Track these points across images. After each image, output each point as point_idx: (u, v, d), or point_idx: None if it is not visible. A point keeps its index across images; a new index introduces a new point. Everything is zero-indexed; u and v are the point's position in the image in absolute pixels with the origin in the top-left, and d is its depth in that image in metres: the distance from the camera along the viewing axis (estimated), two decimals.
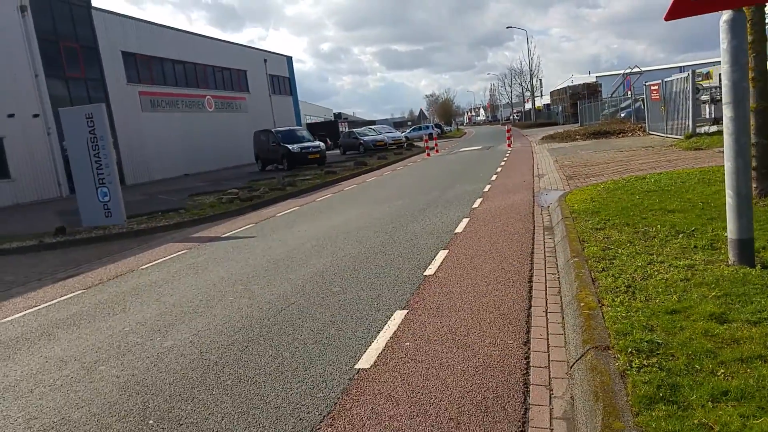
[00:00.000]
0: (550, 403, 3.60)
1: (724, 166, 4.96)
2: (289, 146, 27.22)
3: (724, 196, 8.42)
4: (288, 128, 31.94)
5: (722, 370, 3.27)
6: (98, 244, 11.85)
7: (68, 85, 24.94)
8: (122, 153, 25.43)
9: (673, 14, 5.26)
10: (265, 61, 44.34)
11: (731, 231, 5.23)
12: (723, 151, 5.37)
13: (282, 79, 47.77)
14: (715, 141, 17.35)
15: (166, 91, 32.28)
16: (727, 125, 5.16)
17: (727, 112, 5.15)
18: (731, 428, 2.71)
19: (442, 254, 7.48)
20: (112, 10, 29.10)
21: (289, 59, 49.88)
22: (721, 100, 18.43)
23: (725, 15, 4.98)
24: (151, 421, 3.76)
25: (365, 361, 4.36)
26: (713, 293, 4.53)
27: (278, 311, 5.81)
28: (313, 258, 8.12)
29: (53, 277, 9.04)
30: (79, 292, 7.79)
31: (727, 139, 5.16)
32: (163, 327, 5.74)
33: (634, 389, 3.24)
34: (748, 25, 6.48)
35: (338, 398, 3.81)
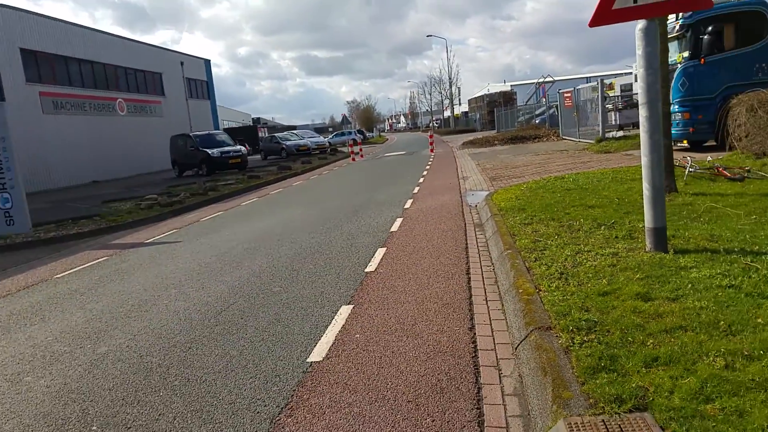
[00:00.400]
0: (500, 381, 3.74)
1: (632, 166, 5.41)
2: (209, 151, 26.42)
3: (636, 193, 9.15)
4: (207, 132, 30.97)
5: (651, 341, 3.57)
6: (2, 254, 10.96)
7: None
8: (19, 158, 23.47)
9: (596, 21, 5.68)
10: (182, 63, 42.81)
11: (648, 220, 5.66)
12: (630, 154, 5.81)
13: (199, 82, 46.31)
14: (622, 145, 18.66)
15: (72, 93, 30.33)
16: (643, 124, 5.59)
17: (642, 112, 5.58)
18: (663, 388, 3.01)
19: (380, 251, 7.55)
20: (9, 4, 26.87)
21: (207, 62, 48.45)
22: (623, 108, 19.67)
23: (640, 24, 5.44)
24: (94, 428, 3.55)
25: (317, 354, 4.34)
26: (637, 276, 4.90)
27: (218, 312, 5.65)
28: (246, 260, 7.95)
29: None
30: None
31: (643, 136, 5.59)
32: (93, 333, 5.43)
33: (578, 362, 3.45)
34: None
35: (294, 390, 3.77)
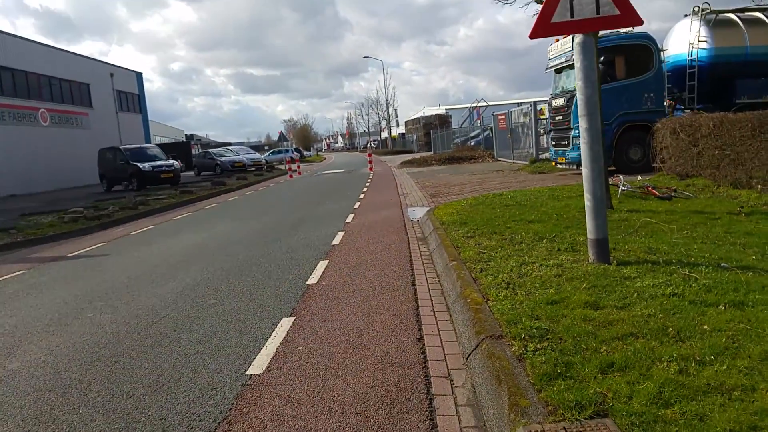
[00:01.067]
0: (452, 392, 3.61)
1: (566, 185, 5.49)
2: (140, 165, 25.34)
3: (573, 209, 9.38)
4: (138, 146, 29.72)
5: (604, 347, 3.54)
6: None
7: None
8: None
9: (536, 34, 5.79)
10: (112, 75, 41.15)
11: (590, 231, 5.73)
12: (563, 174, 5.94)
13: (130, 95, 44.62)
14: (556, 166, 19.31)
15: None
16: (582, 135, 5.70)
17: (582, 124, 5.69)
18: (622, 394, 2.95)
19: (322, 264, 7.33)
20: None
21: (139, 75, 46.84)
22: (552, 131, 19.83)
23: (577, 38, 5.59)
24: None
25: (257, 367, 4.07)
26: (583, 285, 4.93)
27: (149, 325, 5.26)
28: (180, 273, 7.52)
29: None
30: None
31: (583, 147, 5.69)
32: (4, 349, 4.91)
33: (533, 369, 3.37)
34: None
35: (232, 404, 3.49)
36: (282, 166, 38.64)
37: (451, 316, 5.09)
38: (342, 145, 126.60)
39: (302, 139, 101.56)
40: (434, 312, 5.24)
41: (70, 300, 6.50)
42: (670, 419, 2.68)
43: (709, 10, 16.46)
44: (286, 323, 5.02)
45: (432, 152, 42.25)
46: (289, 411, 3.37)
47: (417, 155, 41.08)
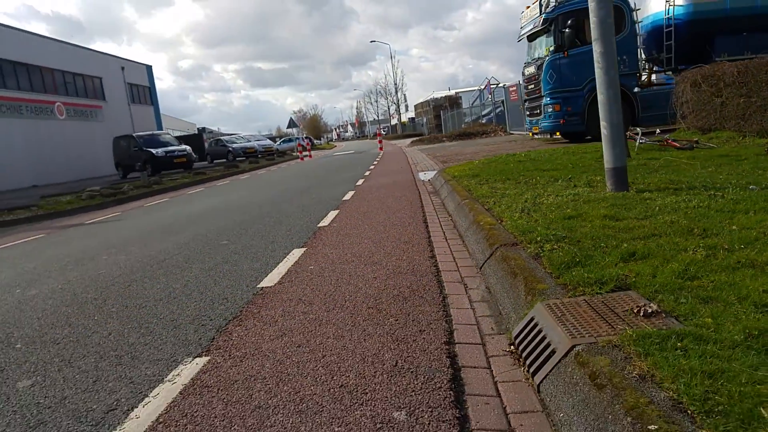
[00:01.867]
0: (466, 293, 3.56)
1: (582, 145, 5.30)
2: (153, 150, 25.48)
3: (590, 159, 9.21)
4: (150, 133, 29.90)
5: (625, 245, 3.41)
6: None
7: None
8: None
9: None
10: (123, 68, 41.37)
11: (607, 161, 5.59)
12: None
13: (142, 88, 44.86)
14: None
15: (5, 95, 28.78)
16: (597, 60, 5.56)
17: (596, 48, 5.55)
18: (645, 273, 2.84)
19: (333, 213, 7.31)
20: None
21: (149, 68, 47.03)
22: None
23: None
24: (18, 345, 3.18)
25: (268, 281, 4.07)
26: (602, 204, 4.81)
27: (161, 261, 5.28)
28: (192, 226, 7.55)
29: None
30: None
31: (598, 72, 5.56)
32: (23, 282, 4.97)
33: (550, 263, 3.28)
34: None
35: (243, 307, 3.49)
36: (294, 153, 38.65)
37: (464, 241, 5.04)
38: (352, 134, 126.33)
39: (312, 130, 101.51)
40: (446, 239, 5.19)
41: (87, 249, 6.55)
42: (698, 286, 2.56)
43: None
44: (297, 252, 5.01)
45: (443, 133, 42.03)
46: (300, 309, 3.36)
47: (427, 136, 40.88)
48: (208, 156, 38.23)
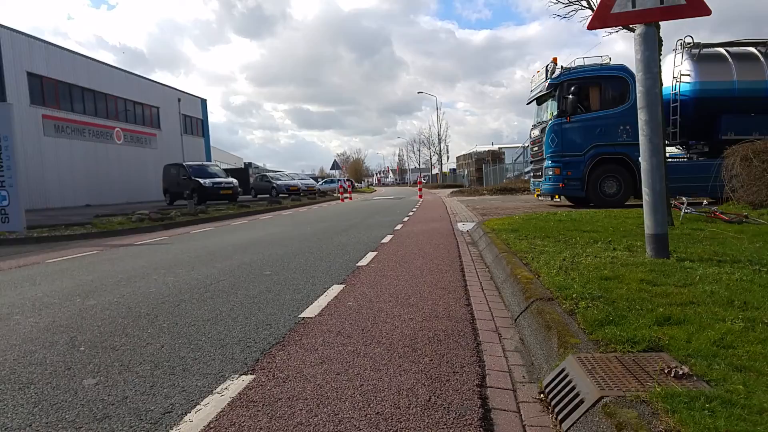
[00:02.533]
0: (500, 342, 3.68)
1: (624, 210, 5.30)
2: (201, 180, 26.43)
3: (631, 224, 9.23)
4: (200, 163, 31.07)
5: (661, 309, 3.47)
6: None
7: None
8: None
9: (595, 24, 5.86)
10: (179, 100, 43.40)
11: (648, 227, 5.63)
12: (624, 205, 5.76)
13: (195, 120, 46.83)
14: (538, 198, 19.07)
15: (73, 118, 30.56)
16: (642, 128, 5.67)
17: (641, 116, 5.67)
18: (679, 338, 2.90)
19: (371, 254, 7.52)
20: (21, 29, 27.48)
21: (204, 101, 49.17)
22: None
23: (639, 29, 5.60)
24: (82, 348, 3.44)
25: (309, 312, 4.27)
26: (640, 269, 4.85)
27: (208, 285, 5.55)
28: (237, 255, 7.86)
29: None
30: None
31: (642, 140, 5.66)
32: (82, 293, 5.31)
33: (584, 319, 3.38)
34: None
35: (285, 334, 3.68)
36: (334, 193, 39.35)
37: (500, 292, 5.15)
38: (392, 180, 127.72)
39: (354, 173, 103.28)
40: (483, 289, 5.31)
41: (138, 268, 6.90)
42: (732, 355, 2.60)
43: (692, 44, 15.90)
44: (336, 288, 5.21)
45: (483, 186, 42.16)
46: (340, 340, 3.53)
47: (467, 188, 41.09)
48: (253, 190, 39.26)
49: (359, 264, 6.66)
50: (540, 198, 17.78)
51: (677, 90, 15.61)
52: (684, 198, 10.97)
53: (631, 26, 6.79)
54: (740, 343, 2.75)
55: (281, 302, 4.64)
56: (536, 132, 16.92)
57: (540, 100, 17.08)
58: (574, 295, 3.93)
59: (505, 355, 3.38)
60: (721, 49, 16.16)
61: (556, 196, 16.52)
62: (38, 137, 27.72)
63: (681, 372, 2.40)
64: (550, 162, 15.62)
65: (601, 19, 5.70)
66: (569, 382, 2.55)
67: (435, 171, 78.24)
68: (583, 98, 15.32)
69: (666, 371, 2.44)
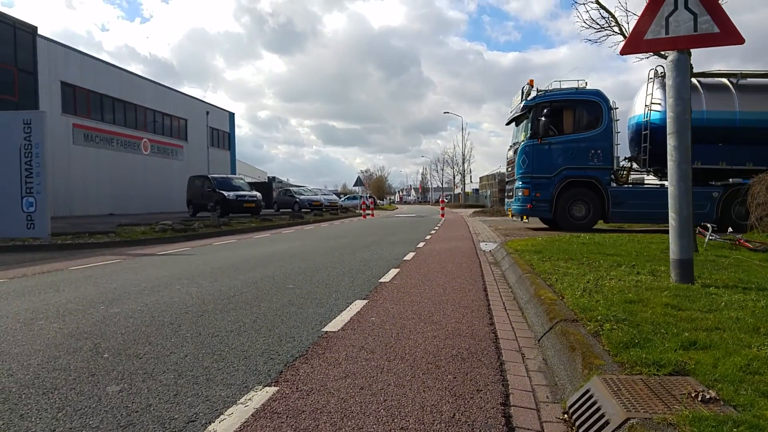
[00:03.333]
0: (523, 362, 3.64)
1: (648, 234, 5.26)
2: (225, 193, 26.72)
3: (654, 249, 9.11)
4: (225, 175, 31.48)
5: (686, 334, 3.43)
6: (17, 253, 11.01)
7: None
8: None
9: (628, 50, 5.87)
10: (207, 113, 44.17)
11: (673, 251, 5.56)
12: (647, 228, 5.72)
13: (222, 133, 47.56)
14: (512, 218, 19.15)
15: (102, 128, 31.27)
16: (670, 153, 5.63)
17: (671, 141, 5.63)
18: (705, 363, 2.86)
19: (394, 270, 7.52)
20: (58, 40, 28.38)
21: (232, 115, 49.95)
22: None
23: (671, 55, 5.59)
24: (106, 355, 3.49)
25: (332, 327, 4.27)
26: (664, 293, 4.80)
27: (231, 296, 5.60)
28: (259, 267, 7.92)
29: None
30: (1, 280, 7.16)
31: (671, 165, 5.62)
32: (106, 300, 5.38)
33: (609, 341, 3.35)
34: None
35: (309, 347, 3.69)
36: (356, 211, 39.52)
37: (523, 313, 5.11)
38: (414, 198, 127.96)
39: (377, 190, 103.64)
40: (506, 309, 5.27)
41: (161, 278, 6.99)
42: (759, 381, 2.58)
43: (664, 73, 15.34)
44: (359, 303, 5.21)
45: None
46: (363, 356, 3.52)
47: (490, 208, 40.90)
48: (275, 204, 39.58)
49: (382, 280, 6.66)
50: (513, 219, 17.97)
51: (648, 118, 15.66)
52: (709, 225, 10.81)
53: (662, 52, 6.76)
54: (767, 370, 2.72)
55: (304, 315, 4.66)
56: (511, 153, 17.16)
57: (517, 122, 17.23)
58: (599, 317, 3.89)
59: (529, 375, 3.35)
60: (693, 80, 15.98)
61: (525, 217, 16.73)
62: (68, 145, 28.39)
63: (708, 396, 2.37)
64: (520, 182, 15.77)
65: (633, 45, 5.70)
66: (594, 402, 2.52)
67: (458, 191, 78.17)
68: (556, 121, 15.43)
69: (693, 395, 2.40)
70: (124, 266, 8.48)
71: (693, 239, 5.62)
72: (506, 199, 18.17)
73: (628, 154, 16.71)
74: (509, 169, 17.36)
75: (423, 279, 6.82)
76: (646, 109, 15.82)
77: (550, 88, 16.04)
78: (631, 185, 16.73)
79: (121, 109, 33.47)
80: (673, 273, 5.59)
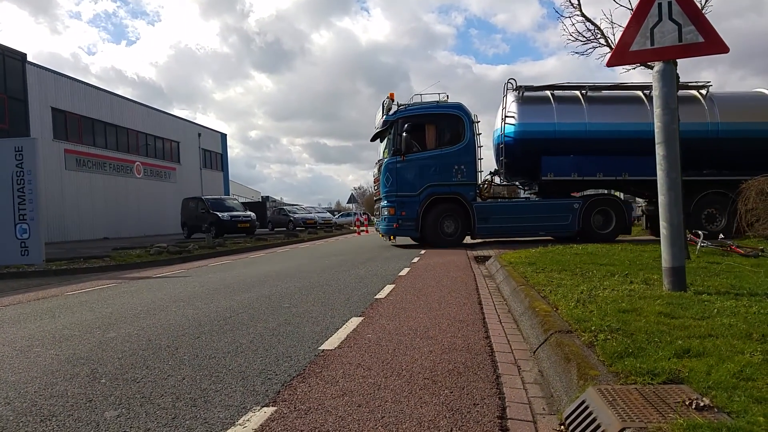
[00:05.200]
0: (519, 374, 3.67)
1: (639, 246, 5.30)
2: (219, 213, 26.71)
3: (647, 258, 9.16)
4: (218, 197, 31.48)
5: (680, 342, 3.46)
6: (12, 280, 10.93)
7: None
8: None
9: (614, 62, 5.96)
10: (199, 135, 44.23)
11: (665, 260, 5.61)
12: (639, 240, 5.79)
13: (214, 154, 47.59)
14: (636, 230, 18.97)
15: (94, 152, 31.24)
16: (659, 162, 5.69)
17: (659, 151, 5.69)
18: (699, 370, 2.89)
19: (389, 287, 7.53)
20: (48, 66, 28.48)
21: (224, 136, 50.04)
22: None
23: (657, 66, 5.67)
24: (103, 380, 3.48)
25: (328, 345, 4.29)
26: (658, 302, 4.84)
27: (227, 317, 5.60)
28: (255, 288, 7.92)
29: None
30: None
31: (660, 174, 5.67)
32: (102, 325, 5.37)
33: (603, 351, 3.38)
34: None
35: (306, 366, 3.71)
36: (351, 227, 39.55)
37: (518, 325, 5.13)
38: None
39: (370, 207, 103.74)
40: (501, 322, 5.30)
41: (157, 301, 6.98)
42: (752, 387, 2.61)
43: (517, 86, 16.12)
44: (355, 320, 5.23)
45: None
46: (360, 373, 3.54)
47: None
48: (270, 224, 39.52)
49: (377, 296, 6.68)
50: (383, 238, 17.31)
51: (503, 131, 15.79)
52: (700, 232, 10.91)
53: (649, 63, 6.87)
54: (760, 375, 2.76)
55: (301, 334, 4.67)
56: (376, 170, 16.67)
57: (381, 137, 16.76)
58: (593, 328, 3.93)
59: (525, 387, 3.37)
60: (547, 92, 16.34)
61: (392, 237, 16.16)
62: (60, 171, 28.31)
63: (702, 404, 2.40)
64: (385, 201, 15.41)
65: (619, 57, 5.79)
66: (590, 413, 2.54)
67: None
68: (418, 136, 15.07)
69: (687, 403, 2.43)
70: (120, 290, 8.45)
71: (685, 247, 5.68)
72: (375, 218, 17.50)
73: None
74: (375, 187, 16.93)
75: (418, 294, 6.84)
76: (502, 122, 15.86)
77: (411, 102, 15.65)
78: (496, 200, 16.67)
79: (113, 133, 33.46)
80: (666, 281, 5.63)
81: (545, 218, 15.67)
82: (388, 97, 15.64)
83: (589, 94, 16.13)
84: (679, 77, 8.37)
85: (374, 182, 17.27)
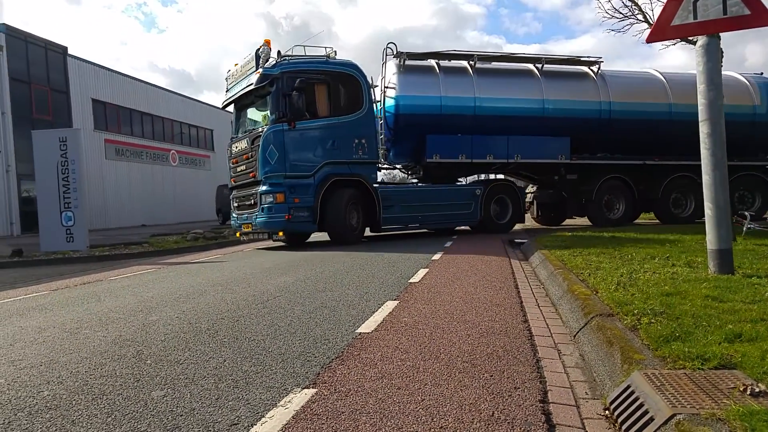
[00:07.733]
0: (560, 358, 3.62)
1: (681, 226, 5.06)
2: None
3: (689, 240, 8.93)
4: None
5: (730, 326, 3.35)
6: (59, 265, 11.31)
7: (34, 126, 24.32)
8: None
9: (654, 37, 5.78)
10: (231, 122, 44.76)
11: (710, 242, 5.45)
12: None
13: None
14: (241, 238, 17.39)
15: (132, 142, 32.00)
16: (704, 140, 5.50)
17: (703, 129, 5.50)
18: (752, 355, 2.79)
19: (423, 271, 7.51)
20: (87, 58, 29.18)
21: None
22: None
23: (701, 40, 5.46)
24: (148, 362, 3.57)
25: (365, 328, 4.30)
26: (703, 285, 4.71)
27: (265, 301, 5.67)
28: (291, 271, 8.00)
29: (13, 286, 8.52)
30: (45, 292, 7.38)
31: (704, 153, 5.49)
32: (144, 309, 5.51)
33: (648, 335, 3.31)
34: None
35: (344, 349, 3.72)
36: None
37: (556, 309, 5.07)
38: None
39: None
40: (539, 306, 5.24)
41: (195, 285, 7.12)
42: None
43: (396, 53, 13.91)
44: (391, 304, 5.23)
45: None
46: (398, 355, 3.54)
47: None
48: None
49: (412, 280, 6.67)
50: (243, 238, 13.51)
51: (383, 105, 13.69)
52: (747, 213, 10.56)
53: (690, 38, 6.62)
54: None
55: (338, 318, 4.70)
56: (242, 145, 12.63)
57: (244, 101, 12.80)
58: (636, 311, 3.84)
59: (566, 371, 3.32)
60: (432, 61, 14.44)
61: (280, 233, 12.18)
62: (100, 160, 29.08)
63: (758, 390, 2.32)
64: (266, 186, 11.66)
65: (660, 33, 5.61)
66: (636, 398, 2.48)
67: None
68: (308, 99, 11.60)
69: (741, 389, 2.35)
70: (160, 275, 8.65)
71: (731, 228, 5.49)
72: (236, 212, 13.23)
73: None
74: (240, 168, 12.67)
75: (452, 278, 6.81)
76: (381, 94, 13.72)
77: (292, 54, 12.11)
78: (400, 184, 14.82)
79: (149, 123, 34.16)
80: (712, 264, 5.48)
81: (450, 206, 13.86)
82: (264, 44, 11.94)
83: (478, 65, 14.49)
84: (722, 51, 8.04)
85: (232, 162, 13.25)
